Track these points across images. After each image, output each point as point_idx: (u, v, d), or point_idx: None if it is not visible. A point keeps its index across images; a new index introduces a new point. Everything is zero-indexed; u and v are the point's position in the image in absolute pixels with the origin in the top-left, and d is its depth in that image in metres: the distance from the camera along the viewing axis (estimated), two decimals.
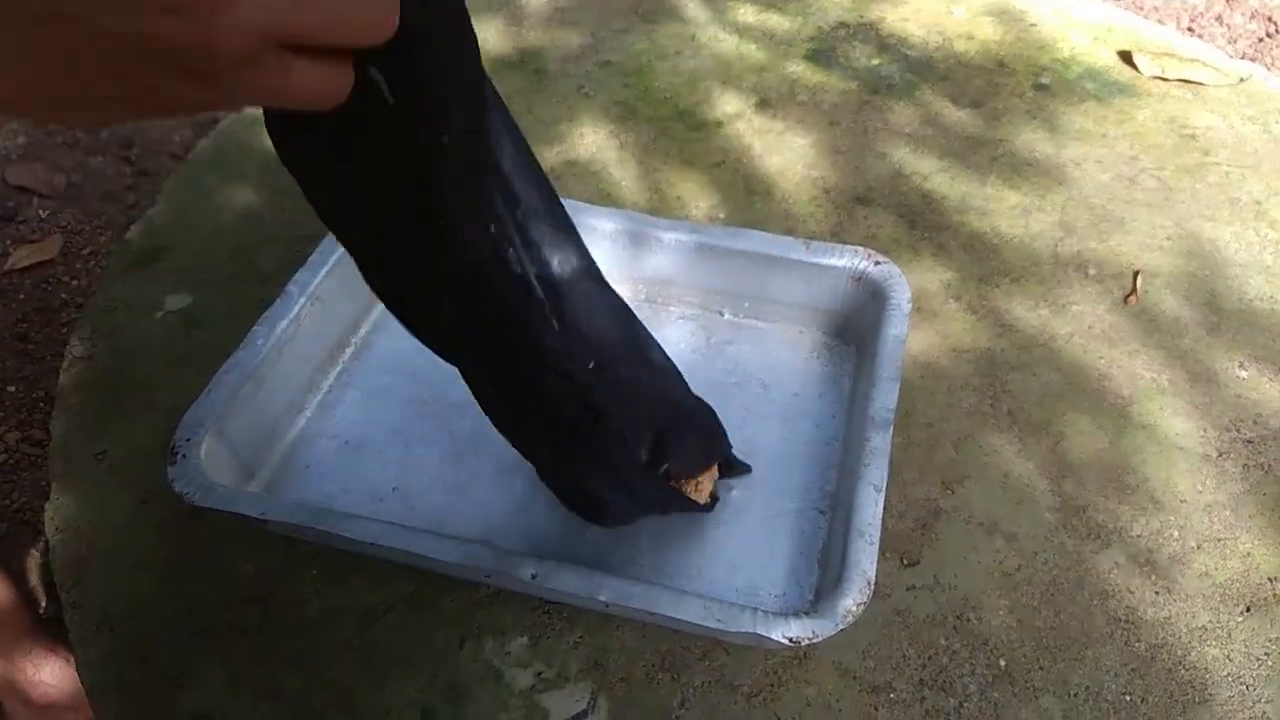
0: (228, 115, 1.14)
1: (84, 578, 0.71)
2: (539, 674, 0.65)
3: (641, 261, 0.85)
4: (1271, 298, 0.91)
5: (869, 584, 0.60)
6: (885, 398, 0.70)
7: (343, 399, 0.81)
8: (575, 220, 0.83)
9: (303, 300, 0.78)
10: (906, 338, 0.75)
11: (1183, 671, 0.66)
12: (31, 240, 1.67)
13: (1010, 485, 0.76)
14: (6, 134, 1.90)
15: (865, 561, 0.61)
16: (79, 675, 0.67)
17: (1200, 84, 1.18)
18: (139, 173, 1.82)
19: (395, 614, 0.69)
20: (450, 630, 0.68)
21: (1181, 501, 0.75)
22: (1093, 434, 0.80)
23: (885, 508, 0.65)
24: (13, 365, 1.49)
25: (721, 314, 0.87)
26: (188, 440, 0.68)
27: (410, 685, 0.65)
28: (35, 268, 1.63)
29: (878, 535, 0.62)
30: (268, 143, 0.43)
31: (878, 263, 0.80)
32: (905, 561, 0.71)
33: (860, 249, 0.81)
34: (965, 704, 0.64)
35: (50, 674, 0.97)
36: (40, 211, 1.73)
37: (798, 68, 1.20)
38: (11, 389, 1.46)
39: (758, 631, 0.57)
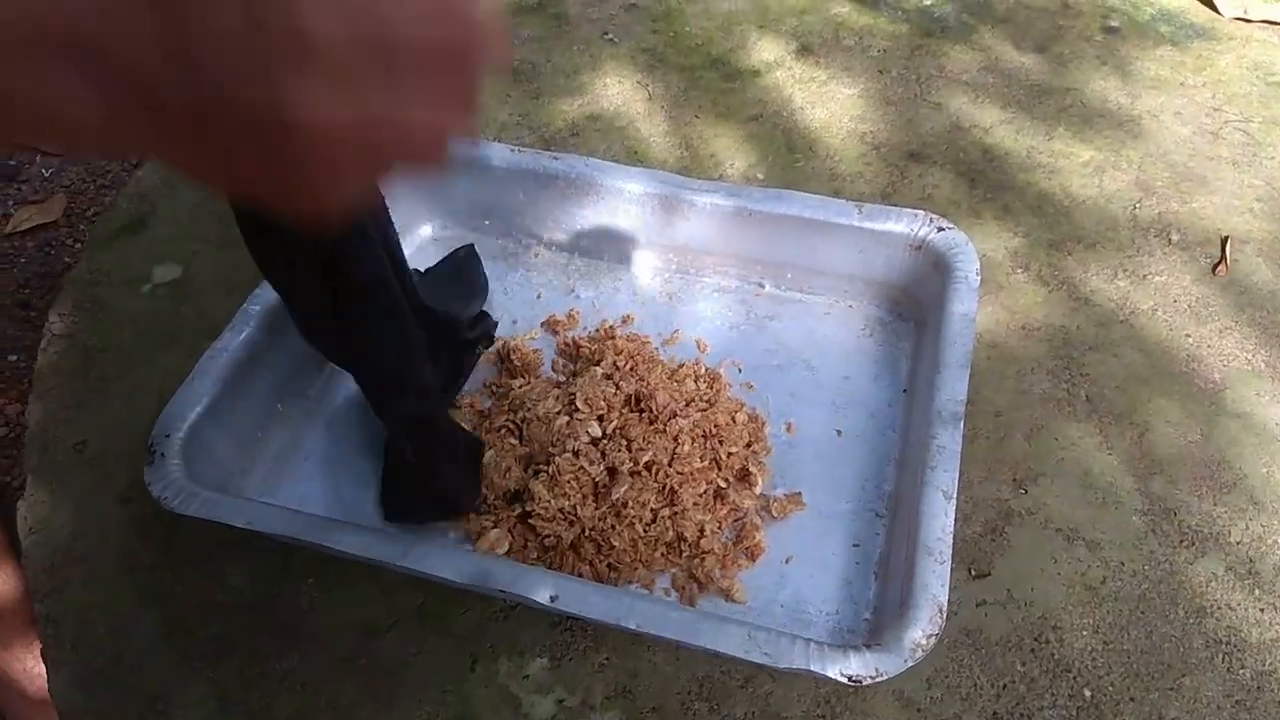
0: None
1: (59, 586, 0.64)
2: (560, 701, 0.58)
3: (673, 228, 0.76)
4: None
5: (940, 612, 0.51)
6: (953, 387, 0.62)
7: (345, 383, 0.73)
8: (599, 181, 0.76)
9: None
10: (976, 314, 0.66)
11: None
12: (34, 201, 1.60)
13: (1091, 484, 0.67)
14: None
15: (935, 584, 0.52)
16: (49, 696, 0.60)
17: None
18: None
19: (401, 629, 0.61)
20: (462, 648, 0.60)
21: None
22: (1182, 424, 0.71)
23: None
24: (14, 334, 1.42)
25: (762, 285, 0.78)
26: (167, 436, 0.61)
27: (417, 711, 0.58)
28: (38, 230, 1.56)
29: (949, 553, 0.54)
30: None
31: (941, 228, 0.71)
32: (974, 572, 0.63)
33: (920, 213, 0.72)
34: None
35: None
36: (43, 170, 1.66)
37: (842, 9, 1.09)
38: (13, 358, 1.40)
39: (811, 669, 0.50)
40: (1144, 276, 0.81)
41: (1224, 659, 0.59)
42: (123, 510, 0.68)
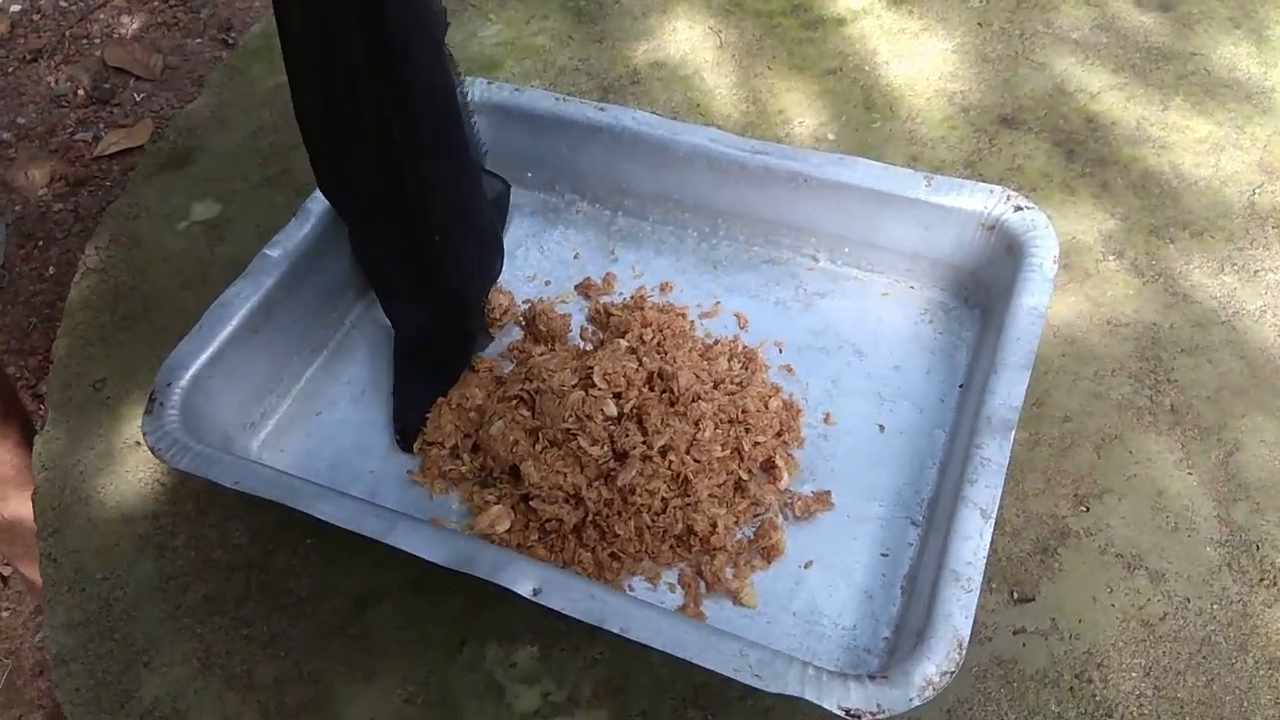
0: None
1: (63, 527, 0.63)
2: (546, 695, 0.55)
3: (723, 190, 0.71)
4: None
5: (960, 647, 0.46)
6: (1008, 391, 0.55)
7: (365, 339, 0.70)
8: (647, 136, 0.70)
9: (321, 221, 0.67)
10: (1048, 308, 0.59)
11: None
12: (123, 125, 1.63)
13: (1163, 506, 0.60)
14: (111, 11, 1.85)
15: (959, 615, 0.47)
16: (49, 637, 0.60)
17: None
18: None
19: (392, 601, 0.59)
20: (451, 629, 0.57)
21: None
22: (1278, 446, 0.62)
23: (998, 524, 0.51)
24: None
25: (816, 259, 0.72)
26: (168, 385, 0.59)
27: (398, 688, 0.55)
28: (124, 154, 1.58)
29: (979, 580, 0.48)
30: None
31: (1019, 208, 0.64)
32: (1016, 596, 0.57)
33: (998, 188, 0.64)
34: None
35: None
36: (135, 95, 1.68)
37: None
38: None
39: (805, 696, 0.45)
40: (1255, 273, 0.71)
41: None
42: (133, 455, 0.66)
